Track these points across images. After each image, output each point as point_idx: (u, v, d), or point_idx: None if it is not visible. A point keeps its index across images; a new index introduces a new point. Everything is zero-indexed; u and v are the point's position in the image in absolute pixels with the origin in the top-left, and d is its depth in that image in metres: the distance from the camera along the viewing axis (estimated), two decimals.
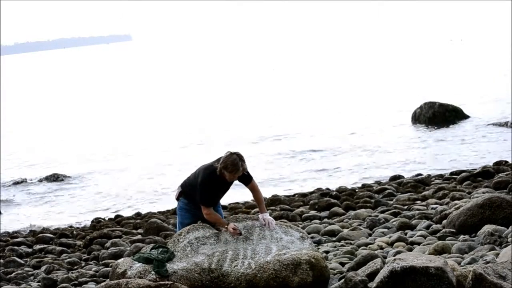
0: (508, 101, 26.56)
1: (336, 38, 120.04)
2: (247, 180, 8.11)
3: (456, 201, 11.59)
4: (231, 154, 7.91)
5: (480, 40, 67.53)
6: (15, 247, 12.67)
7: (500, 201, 9.67)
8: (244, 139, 24.89)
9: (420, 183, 15.06)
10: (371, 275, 7.67)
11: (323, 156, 20.84)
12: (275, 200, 14.75)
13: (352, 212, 12.55)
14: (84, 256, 11.77)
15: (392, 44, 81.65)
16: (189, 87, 50.42)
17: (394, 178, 16.30)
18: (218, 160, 8.02)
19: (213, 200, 8.16)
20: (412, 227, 10.64)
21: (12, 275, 10.53)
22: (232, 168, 7.84)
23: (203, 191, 7.99)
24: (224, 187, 8.14)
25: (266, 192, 15.34)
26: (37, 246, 12.80)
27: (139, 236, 12.52)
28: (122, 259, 8.32)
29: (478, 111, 25.21)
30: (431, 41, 76.07)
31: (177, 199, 8.45)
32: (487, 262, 7.31)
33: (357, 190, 15.15)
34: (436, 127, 23.48)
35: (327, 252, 9.67)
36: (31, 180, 21.34)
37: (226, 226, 8.10)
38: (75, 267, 10.98)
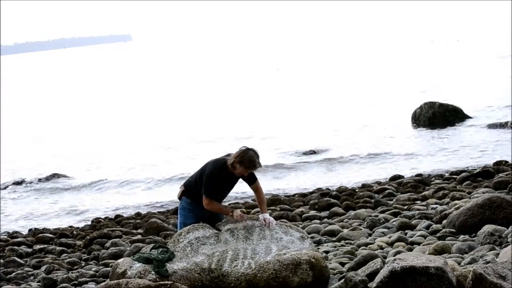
0: (508, 101, 26.55)
1: (337, 38, 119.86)
2: (252, 180, 8.08)
3: (456, 201, 11.58)
4: (248, 149, 7.84)
5: (478, 41, 67.45)
6: (15, 247, 12.67)
7: (500, 201, 9.67)
8: (245, 139, 24.86)
9: (420, 183, 15.06)
10: (371, 275, 7.66)
11: (323, 156, 20.83)
12: (275, 200, 14.75)
13: (352, 212, 12.55)
14: (84, 256, 11.78)
15: (391, 44, 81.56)
16: (190, 87, 50.38)
17: (394, 178, 16.30)
18: (228, 155, 7.99)
19: (217, 194, 8.09)
20: (412, 227, 10.63)
21: (12, 275, 10.53)
22: (248, 164, 7.78)
23: (209, 182, 7.90)
24: (230, 183, 8.08)
25: (267, 191, 15.33)
26: (37, 246, 12.81)
27: (139, 236, 12.52)
28: (122, 259, 8.31)
29: (478, 111, 25.19)
30: (431, 41, 75.95)
31: (179, 198, 8.40)
32: (487, 262, 7.31)
33: (357, 190, 15.15)
34: (436, 127, 23.47)
35: (327, 252, 9.66)
36: (31, 180, 21.34)
37: (230, 213, 8.09)
38: (75, 267, 10.98)
